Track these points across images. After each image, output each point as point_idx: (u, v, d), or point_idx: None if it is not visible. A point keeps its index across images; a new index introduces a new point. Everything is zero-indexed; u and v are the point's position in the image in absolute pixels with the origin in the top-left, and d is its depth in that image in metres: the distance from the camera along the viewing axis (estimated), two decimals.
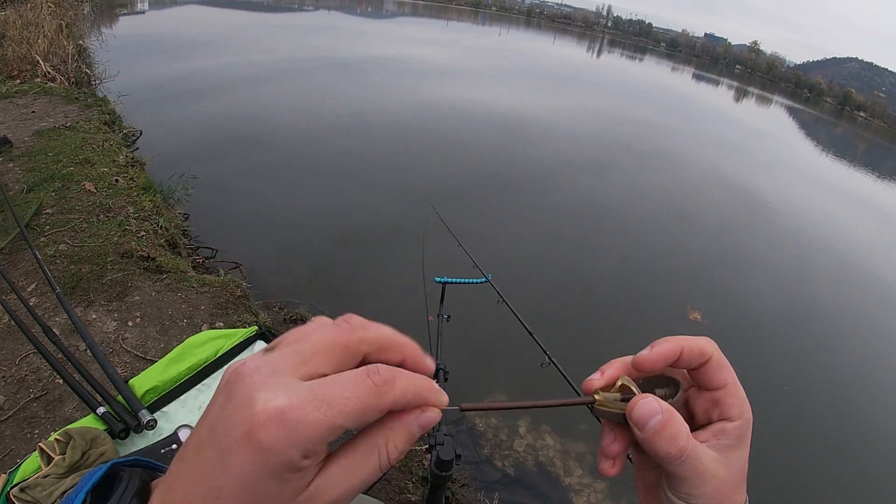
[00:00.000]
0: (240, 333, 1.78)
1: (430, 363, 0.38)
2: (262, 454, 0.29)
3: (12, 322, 2.23)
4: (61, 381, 2.25)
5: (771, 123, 29.57)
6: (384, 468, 0.34)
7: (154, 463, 0.43)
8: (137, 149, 6.54)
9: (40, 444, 1.41)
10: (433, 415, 0.35)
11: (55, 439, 1.42)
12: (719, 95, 38.02)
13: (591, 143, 12.50)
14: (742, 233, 9.03)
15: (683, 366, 0.44)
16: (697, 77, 48.45)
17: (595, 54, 47.06)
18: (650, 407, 0.40)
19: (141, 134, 7.06)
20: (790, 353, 5.85)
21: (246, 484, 0.29)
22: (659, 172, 11.27)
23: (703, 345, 0.43)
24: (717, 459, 0.41)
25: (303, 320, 3.97)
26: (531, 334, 2.18)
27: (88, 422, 1.55)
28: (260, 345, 1.78)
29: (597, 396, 0.43)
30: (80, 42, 9.41)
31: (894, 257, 10.36)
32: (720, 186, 11.42)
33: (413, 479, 2.55)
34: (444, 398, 0.36)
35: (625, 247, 7.28)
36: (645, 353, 0.43)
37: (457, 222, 4.91)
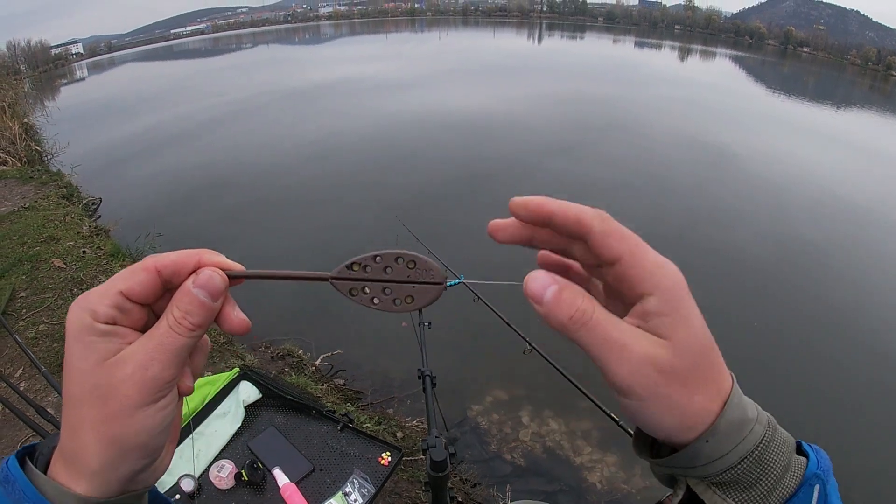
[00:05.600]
0: (223, 378, 1.82)
1: (226, 261, 0.45)
2: (69, 325, 0.38)
3: (7, 409, 2.23)
4: None
5: (719, 75, 30.07)
6: (173, 326, 0.39)
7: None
8: (100, 217, 6.51)
9: None
10: (205, 274, 0.41)
11: None
12: (664, 58, 38.63)
13: (551, 128, 12.61)
14: (715, 186, 9.17)
15: (560, 230, 0.41)
16: (640, 44, 49.11)
17: (536, 41, 47.50)
18: (542, 279, 0.38)
19: (101, 201, 7.01)
20: (784, 293, 5.94)
21: (69, 356, 0.38)
22: (622, 143, 11.39)
23: (580, 213, 0.40)
24: (654, 342, 0.36)
25: (290, 355, 4.00)
26: (509, 325, 2.25)
27: None
28: (244, 384, 1.82)
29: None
30: (26, 120, 9.34)
31: (865, 181, 10.56)
32: (685, 145, 11.56)
33: (421, 488, 2.59)
34: (217, 258, 0.44)
35: None
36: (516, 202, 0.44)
37: (427, 230, 4.96)
